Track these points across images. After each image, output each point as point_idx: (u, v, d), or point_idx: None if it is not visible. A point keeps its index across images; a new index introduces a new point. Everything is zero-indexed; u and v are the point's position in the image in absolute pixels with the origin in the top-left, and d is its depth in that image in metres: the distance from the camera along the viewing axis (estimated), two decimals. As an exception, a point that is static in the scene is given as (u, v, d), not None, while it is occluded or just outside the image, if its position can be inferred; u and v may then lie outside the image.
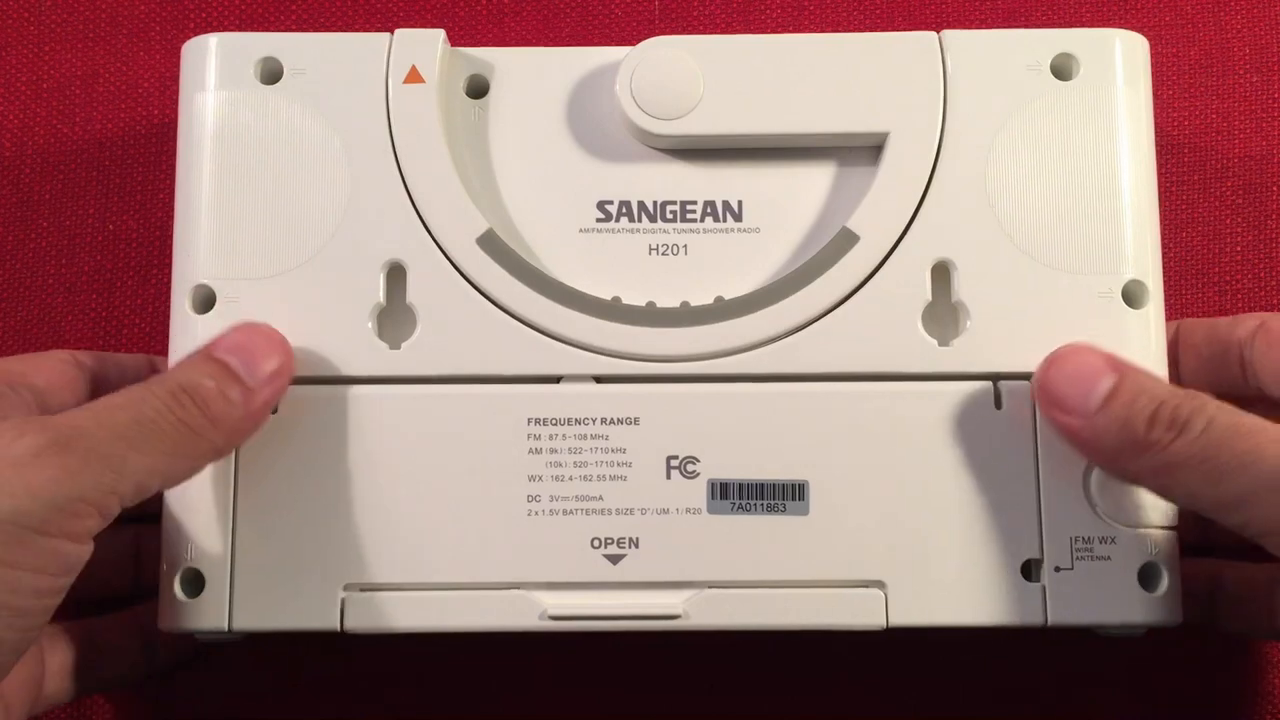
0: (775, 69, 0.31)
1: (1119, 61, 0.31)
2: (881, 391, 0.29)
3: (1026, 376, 0.29)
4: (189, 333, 0.29)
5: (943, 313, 0.30)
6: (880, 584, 0.28)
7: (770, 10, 0.37)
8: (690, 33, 0.35)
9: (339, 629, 0.28)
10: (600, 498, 0.29)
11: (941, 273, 0.30)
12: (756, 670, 0.34)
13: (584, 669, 0.34)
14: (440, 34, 0.31)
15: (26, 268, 0.36)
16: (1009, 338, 0.29)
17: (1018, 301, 0.30)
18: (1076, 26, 0.31)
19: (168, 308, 0.30)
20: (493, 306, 0.29)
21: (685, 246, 0.31)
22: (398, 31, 0.31)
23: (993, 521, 0.29)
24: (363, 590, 0.28)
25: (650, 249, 0.31)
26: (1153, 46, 0.32)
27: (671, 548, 0.29)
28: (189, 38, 0.31)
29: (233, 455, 0.29)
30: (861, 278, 0.30)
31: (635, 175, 0.31)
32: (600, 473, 0.29)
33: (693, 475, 0.29)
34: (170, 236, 0.31)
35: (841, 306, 0.30)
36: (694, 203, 0.31)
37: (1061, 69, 0.31)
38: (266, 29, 0.37)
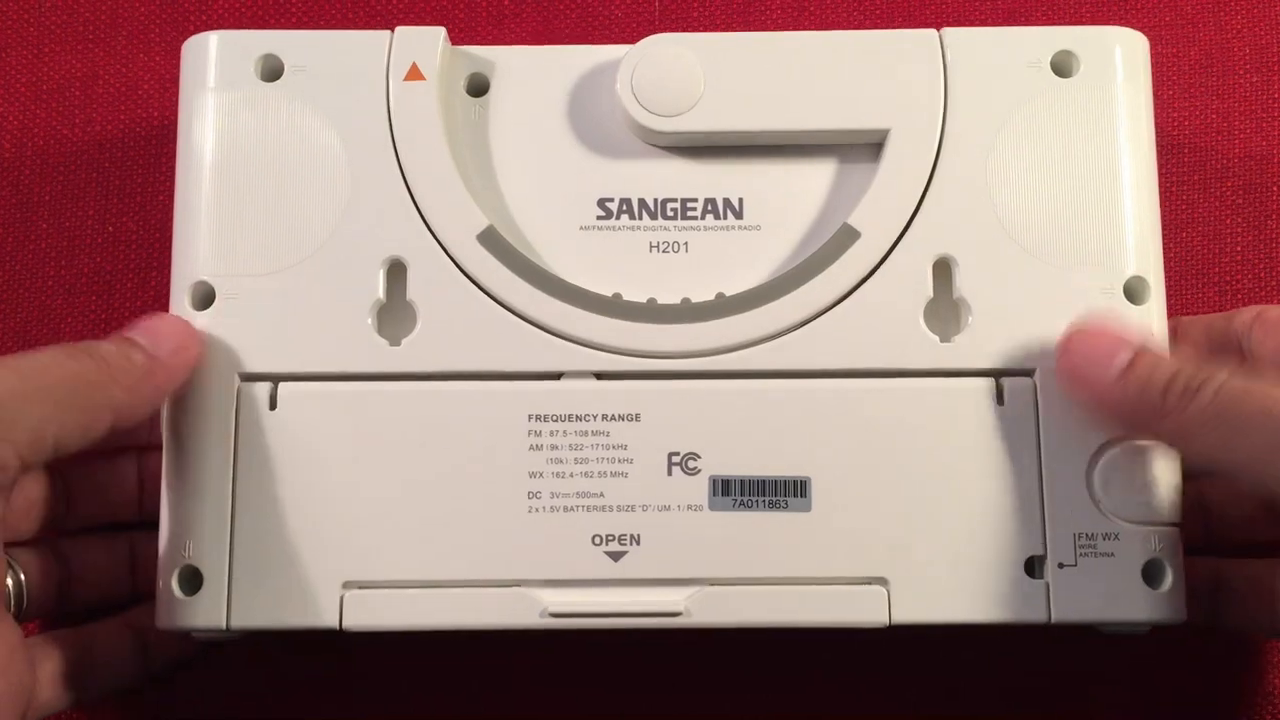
0: (776, 66, 0.31)
1: (1119, 59, 0.31)
2: (883, 388, 0.29)
3: (1029, 372, 0.29)
4: (189, 329, 0.29)
5: (944, 309, 0.30)
6: (883, 581, 0.28)
7: (770, 9, 0.37)
8: (690, 32, 0.35)
9: (338, 628, 0.28)
10: (601, 494, 0.29)
11: (943, 269, 0.30)
12: (756, 671, 0.34)
13: (587, 670, 0.34)
14: (441, 31, 0.31)
15: (26, 269, 0.36)
16: (1011, 334, 0.29)
17: (1019, 298, 0.29)
18: (1076, 25, 0.31)
19: (167, 308, 0.30)
20: (493, 303, 0.29)
21: (686, 244, 0.31)
22: (398, 29, 0.31)
23: (995, 518, 0.29)
24: (362, 588, 0.28)
25: (651, 246, 0.31)
26: (1153, 46, 0.32)
27: (673, 545, 0.28)
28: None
29: (231, 452, 0.29)
30: (863, 274, 0.30)
31: (636, 173, 0.31)
32: (601, 469, 0.29)
33: (694, 472, 0.29)
34: (170, 238, 0.31)
35: (843, 303, 0.30)
36: (695, 200, 0.31)
37: (1061, 66, 0.31)
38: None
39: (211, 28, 0.31)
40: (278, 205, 0.30)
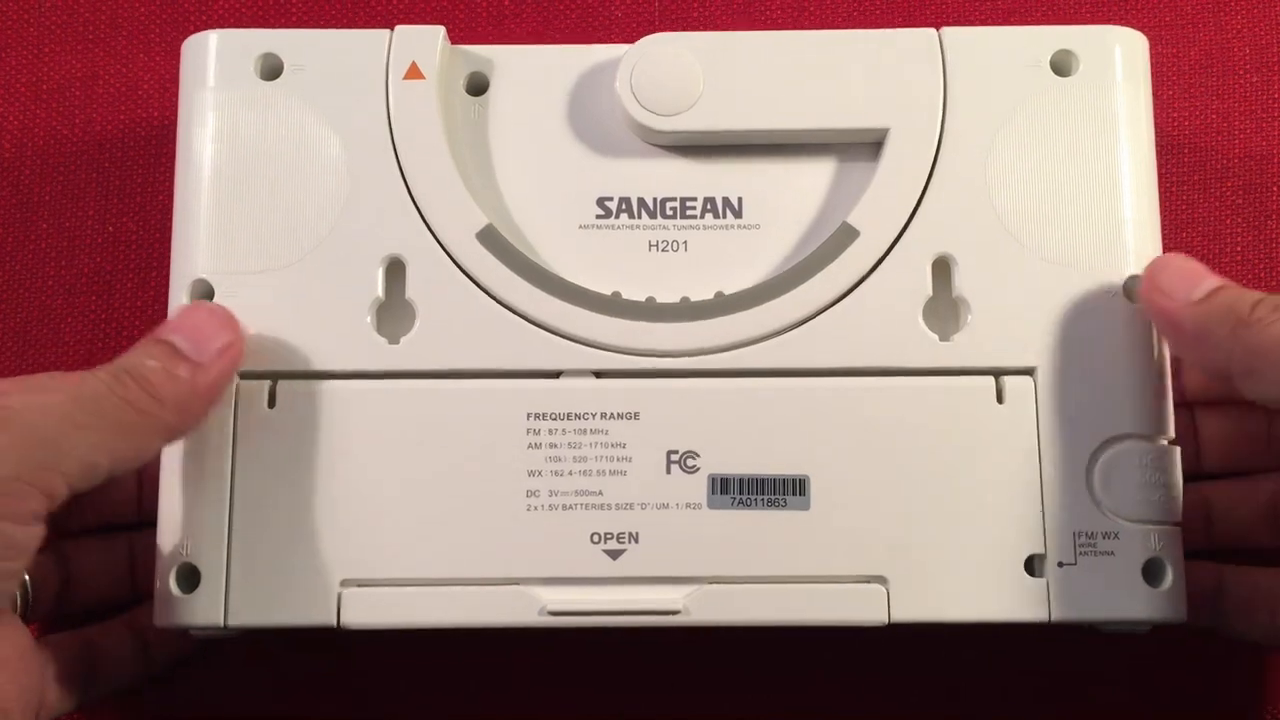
0: (775, 65, 0.31)
1: (1118, 58, 0.31)
2: (882, 386, 0.29)
3: (1029, 371, 0.29)
4: (187, 327, 0.29)
5: (943, 308, 0.30)
6: (882, 579, 0.28)
7: (770, 8, 0.37)
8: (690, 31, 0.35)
9: (335, 625, 0.28)
10: (600, 493, 0.28)
11: (942, 268, 0.30)
12: (756, 670, 0.34)
13: (586, 669, 0.34)
14: (440, 30, 0.31)
15: (26, 269, 0.36)
16: (1010, 332, 0.29)
17: (1019, 296, 0.29)
18: (1076, 25, 0.31)
19: (167, 308, 0.30)
20: (492, 301, 0.29)
21: (685, 243, 0.31)
22: (398, 28, 0.31)
23: (995, 517, 0.28)
24: (360, 586, 0.28)
25: (650, 245, 0.31)
26: (1153, 46, 0.32)
27: (671, 543, 0.28)
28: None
29: (229, 450, 0.29)
30: (862, 273, 0.30)
31: (635, 172, 0.31)
32: (600, 467, 0.29)
33: (693, 470, 0.29)
34: (170, 238, 0.31)
35: (842, 301, 0.30)
36: (694, 199, 0.31)
37: (1061, 66, 0.31)
38: (266, 31, 0.37)
39: (211, 27, 0.31)
40: (276, 203, 0.30)
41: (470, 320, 0.29)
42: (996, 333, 0.29)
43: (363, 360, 0.29)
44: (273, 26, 0.37)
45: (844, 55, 0.31)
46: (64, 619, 0.31)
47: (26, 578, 0.29)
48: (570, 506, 0.28)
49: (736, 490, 0.29)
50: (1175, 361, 0.31)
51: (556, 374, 0.29)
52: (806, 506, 0.28)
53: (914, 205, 0.30)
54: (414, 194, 0.30)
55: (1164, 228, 0.31)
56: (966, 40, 0.31)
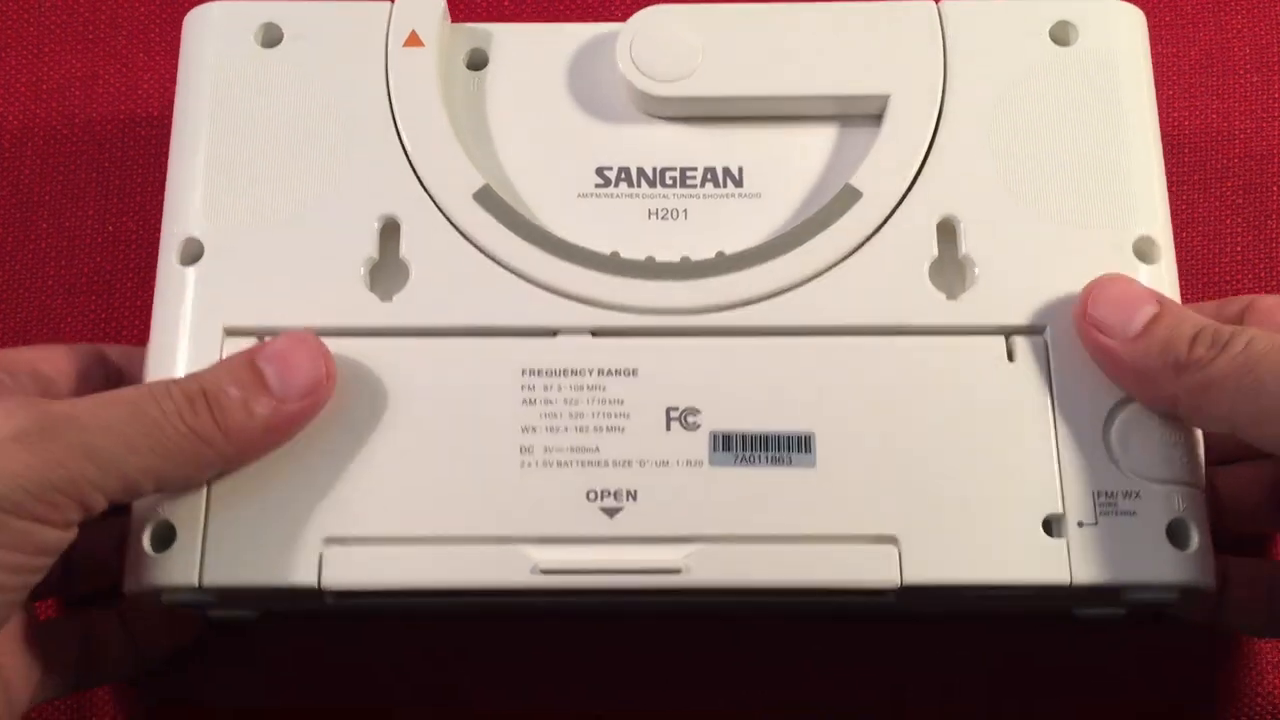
0: (775, 34, 0.31)
1: (1117, 30, 0.31)
2: (889, 345, 0.28)
3: (1039, 330, 0.28)
4: (176, 283, 0.29)
5: (950, 268, 0.29)
6: (893, 539, 0.27)
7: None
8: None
9: (316, 586, 0.26)
10: (596, 449, 0.27)
11: (947, 229, 0.29)
12: (743, 661, 0.33)
13: (577, 664, 0.32)
14: (441, 2, 0.31)
15: (26, 269, 0.36)
16: (1020, 291, 0.29)
17: (1026, 256, 0.29)
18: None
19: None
20: (487, 260, 0.29)
21: (685, 211, 0.30)
22: (398, 0, 0.31)
23: (1010, 476, 0.27)
24: (344, 544, 0.27)
25: (650, 213, 0.30)
26: (1153, 46, 0.32)
27: (671, 501, 0.27)
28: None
29: None
30: (866, 233, 0.29)
31: (634, 141, 0.31)
32: (597, 424, 0.27)
33: (693, 427, 0.28)
34: None
35: (846, 261, 0.29)
36: (694, 169, 0.31)
37: (1060, 36, 0.31)
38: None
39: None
40: (271, 163, 0.29)
41: (465, 278, 0.29)
42: (1005, 292, 0.29)
43: (354, 317, 0.28)
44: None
45: (843, 25, 0.31)
46: (61, 600, 0.31)
47: None
48: (566, 463, 0.27)
49: (739, 447, 0.27)
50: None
51: (553, 332, 0.28)
52: (812, 464, 0.27)
53: (917, 167, 0.30)
54: (410, 154, 0.30)
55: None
56: (965, 12, 0.31)
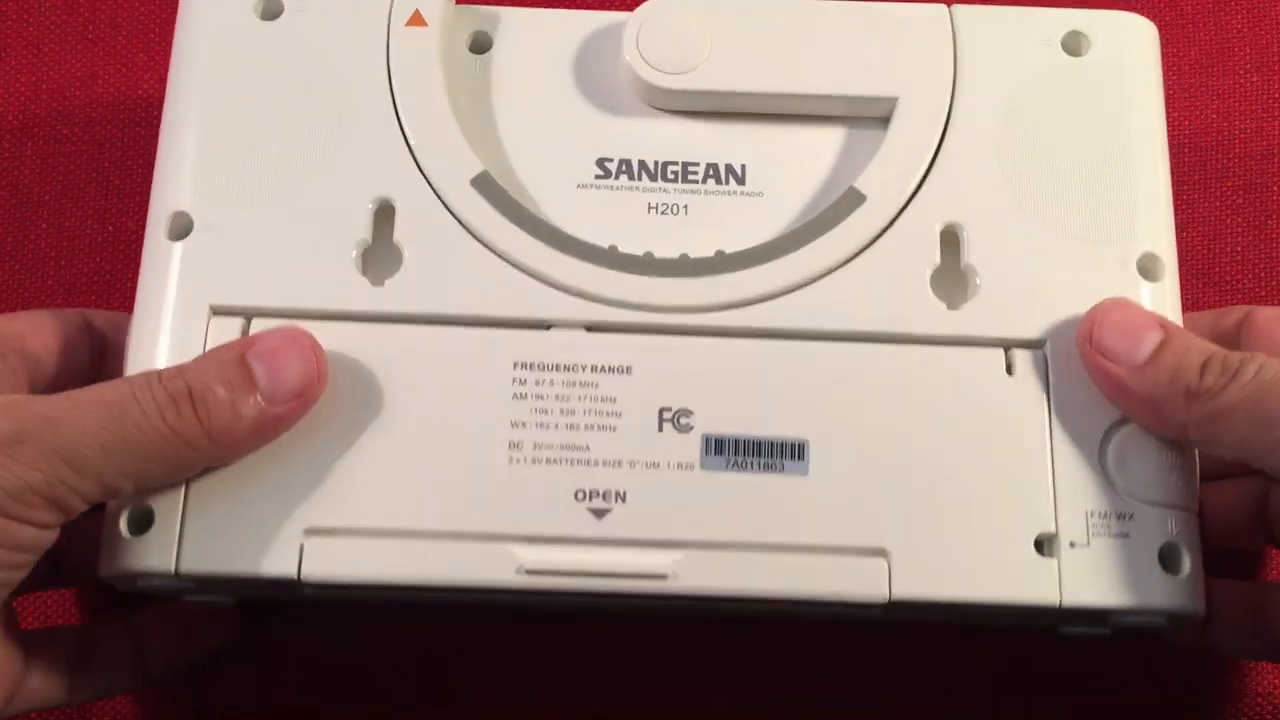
0: (784, 31, 0.30)
1: (1129, 41, 0.30)
2: (888, 353, 0.28)
3: (1039, 344, 0.28)
4: (163, 259, 0.28)
5: (952, 277, 0.29)
6: (883, 552, 0.26)
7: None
8: None
9: (296, 577, 0.26)
10: (587, 448, 0.27)
11: (951, 237, 0.29)
12: (743, 662, 0.32)
13: (576, 664, 0.32)
14: (446, -19, 0.30)
15: (26, 269, 0.35)
16: (1021, 304, 0.28)
17: (1030, 269, 0.28)
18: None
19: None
20: (483, 248, 0.28)
21: (685, 207, 0.30)
22: (402, -23, 0.30)
23: (1003, 492, 0.27)
24: (326, 536, 0.26)
25: (649, 207, 0.30)
26: (1154, 47, 0.32)
27: (661, 504, 0.27)
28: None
29: None
30: (868, 238, 0.29)
31: (637, 134, 0.30)
32: (588, 422, 0.27)
33: (686, 429, 0.27)
34: None
35: (847, 265, 0.28)
36: (696, 164, 0.30)
37: (1072, 46, 0.30)
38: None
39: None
40: (265, 140, 0.29)
41: (459, 266, 0.28)
42: (1006, 304, 0.28)
43: (344, 300, 0.28)
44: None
45: (853, 25, 0.30)
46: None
47: None
48: (555, 461, 0.27)
49: (731, 451, 0.27)
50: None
51: (547, 325, 0.28)
52: (805, 472, 0.27)
53: (923, 173, 0.29)
54: (408, 137, 0.29)
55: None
56: (977, 17, 0.31)
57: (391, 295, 0.28)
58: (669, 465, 0.27)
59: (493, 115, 0.30)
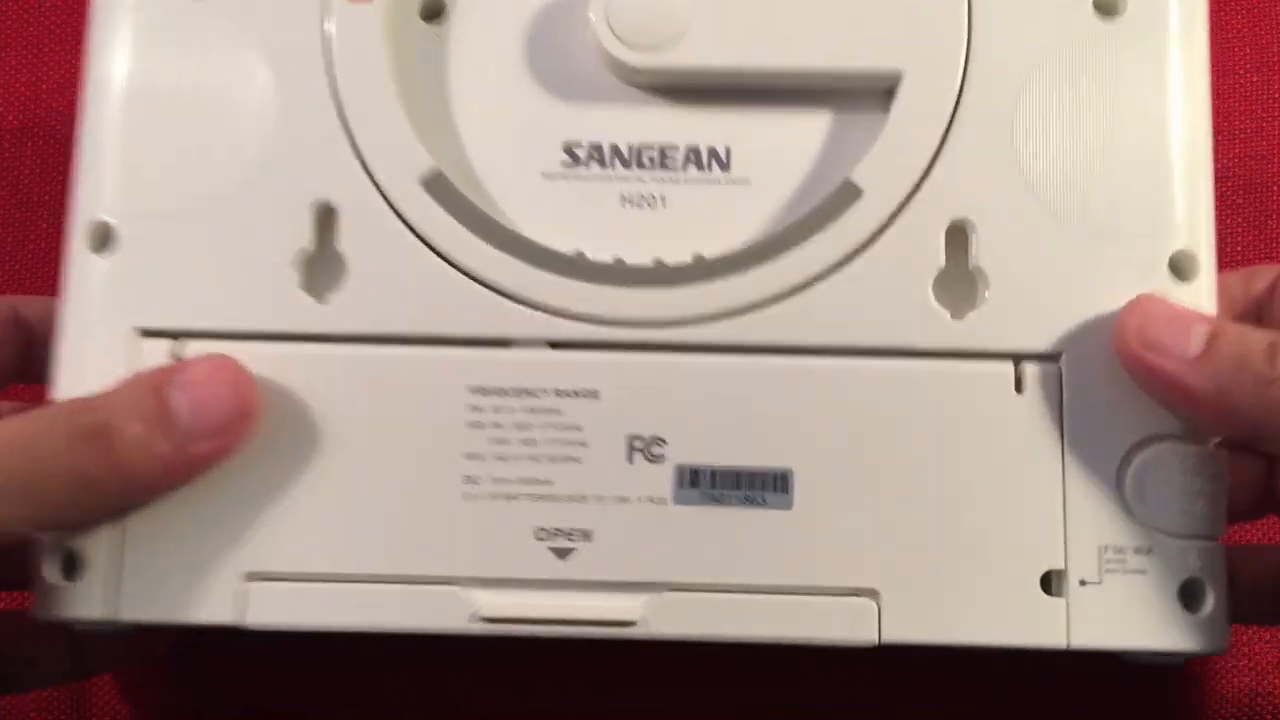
0: (774, 0, 0.27)
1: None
2: (882, 369, 0.25)
3: (1053, 357, 0.25)
4: (85, 274, 0.26)
5: (958, 281, 0.26)
6: (873, 593, 0.24)
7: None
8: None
9: (239, 625, 0.24)
10: (549, 482, 0.25)
11: (958, 235, 0.26)
12: (744, 662, 0.32)
13: (572, 665, 0.32)
14: (391, -55, 0.27)
15: (26, 269, 0.35)
16: (1034, 312, 0.25)
17: (1046, 271, 0.25)
18: None
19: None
20: (435, 257, 0.26)
21: (663, 197, 0.27)
22: (343, -57, 0.27)
23: (1008, 525, 0.25)
24: (267, 580, 0.24)
25: (623, 199, 0.27)
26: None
27: (629, 542, 0.24)
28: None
29: None
30: (864, 238, 0.26)
31: (609, 115, 0.27)
32: (550, 452, 0.25)
33: (658, 459, 0.25)
34: None
35: (840, 270, 0.26)
36: (675, 148, 0.27)
37: (1106, 4, 0.27)
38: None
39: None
40: (195, 137, 0.26)
41: (409, 277, 0.25)
42: (1018, 311, 0.25)
43: (284, 320, 0.25)
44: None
45: (852, -12, 0.27)
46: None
47: None
48: (514, 496, 0.25)
49: (708, 484, 0.25)
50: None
51: (506, 343, 0.25)
52: (789, 505, 0.25)
53: (928, 162, 0.26)
54: (352, 132, 0.26)
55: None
56: (995, -25, 0.27)
57: (335, 312, 0.25)
58: (639, 499, 0.25)
59: (447, 95, 0.27)
